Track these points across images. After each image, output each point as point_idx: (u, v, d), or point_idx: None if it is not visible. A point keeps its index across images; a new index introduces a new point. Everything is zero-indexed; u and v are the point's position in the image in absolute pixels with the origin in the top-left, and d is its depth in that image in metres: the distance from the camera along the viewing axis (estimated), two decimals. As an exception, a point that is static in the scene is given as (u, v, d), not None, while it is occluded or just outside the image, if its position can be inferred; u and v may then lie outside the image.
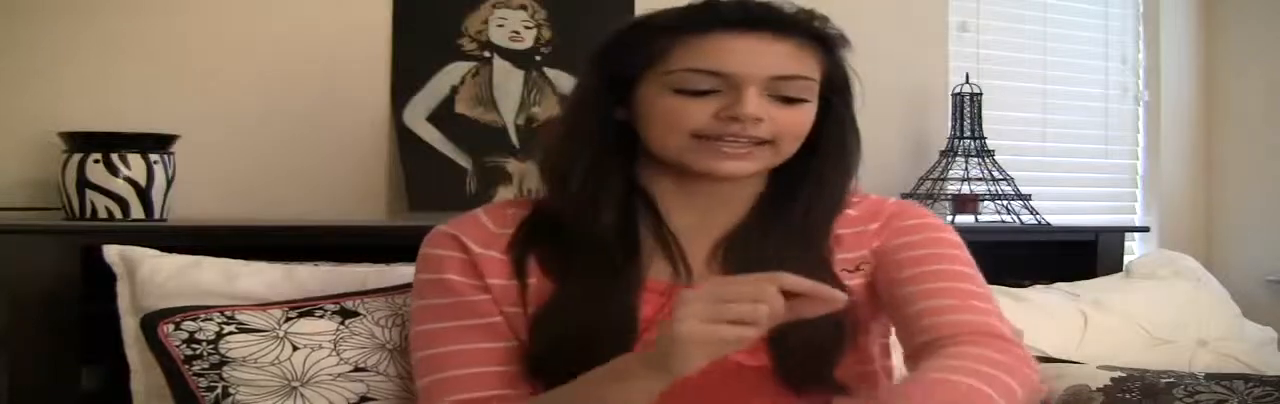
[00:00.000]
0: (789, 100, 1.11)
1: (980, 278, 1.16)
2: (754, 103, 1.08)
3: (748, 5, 1.11)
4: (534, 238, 1.15)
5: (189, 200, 1.68)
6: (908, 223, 1.19)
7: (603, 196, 1.12)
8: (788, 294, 0.91)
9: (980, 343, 1.04)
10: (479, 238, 1.15)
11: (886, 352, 1.23)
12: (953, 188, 2.32)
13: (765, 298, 0.89)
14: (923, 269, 1.13)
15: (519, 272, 1.13)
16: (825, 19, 1.15)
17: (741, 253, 1.14)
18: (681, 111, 1.09)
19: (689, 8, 1.14)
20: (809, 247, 1.15)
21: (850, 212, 1.20)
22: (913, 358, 1.10)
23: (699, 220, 1.17)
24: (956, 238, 1.20)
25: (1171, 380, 1.57)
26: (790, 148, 1.13)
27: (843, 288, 1.05)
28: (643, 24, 1.14)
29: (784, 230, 1.14)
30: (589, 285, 1.09)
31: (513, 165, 1.93)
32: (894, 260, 1.16)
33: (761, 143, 1.10)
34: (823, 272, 1.12)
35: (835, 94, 1.16)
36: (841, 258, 1.16)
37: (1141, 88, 2.92)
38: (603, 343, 1.05)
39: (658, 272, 1.13)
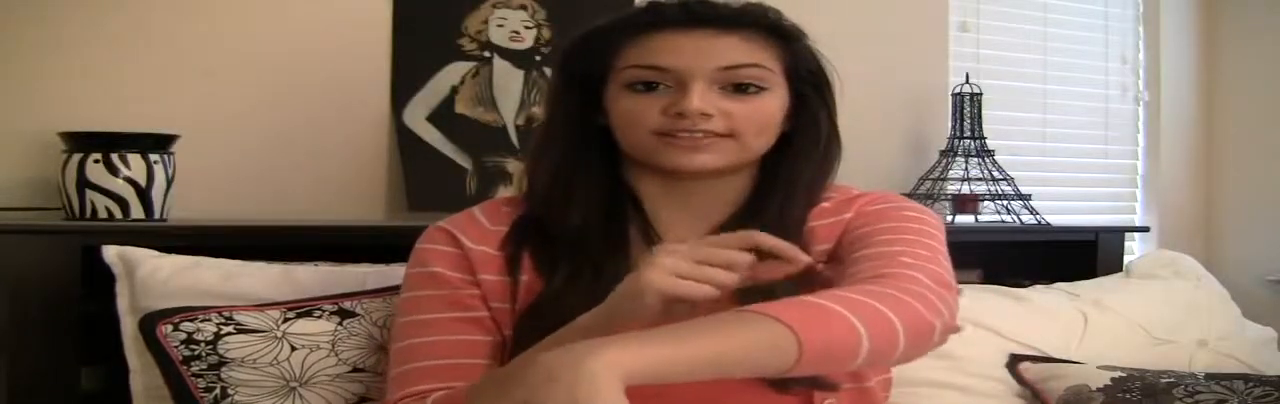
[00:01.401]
0: (743, 90, 1.11)
1: (928, 244, 1.10)
2: (699, 97, 1.08)
3: (689, 4, 1.13)
4: (527, 235, 1.16)
5: (189, 200, 1.68)
6: (874, 207, 1.18)
7: (576, 198, 1.14)
8: (760, 253, 0.94)
9: (871, 281, 1.00)
10: (473, 234, 1.16)
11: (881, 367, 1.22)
12: (953, 188, 2.32)
13: (736, 265, 0.93)
14: (872, 239, 1.11)
15: (512, 268, 1.14)
16: (777, 12, 1.16)
17: None
18: (636, 110, 1.11)
19: (634, 9, 1.16)
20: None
21: (825, 204, 1.19)
22: None
23: (687, 221, 1.17)
24: (923, 216, 1.16)
25: (1171, 380, 1.57)
26: (756, 141, 1.13)
27: (826, 282, 1.06)
28: (596, 29, 1.17)
29: (760, 229, 1.13)
30: (576, 285, 1.10)
31: (513, 165, 1.93)
32: (851, 238, 1.14)
33: (722, 136, 1.10)
34: (805, 272, 1.11)
35: (806, 86, 1.16)
36: (817, 250, 1.15)
37: (1141, 88, 2.92)
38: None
39: None
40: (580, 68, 1.16)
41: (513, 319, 1.12)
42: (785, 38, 1.15)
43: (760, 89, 1.12)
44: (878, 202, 1.19)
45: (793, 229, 1.15)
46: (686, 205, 1.18)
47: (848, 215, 1.17)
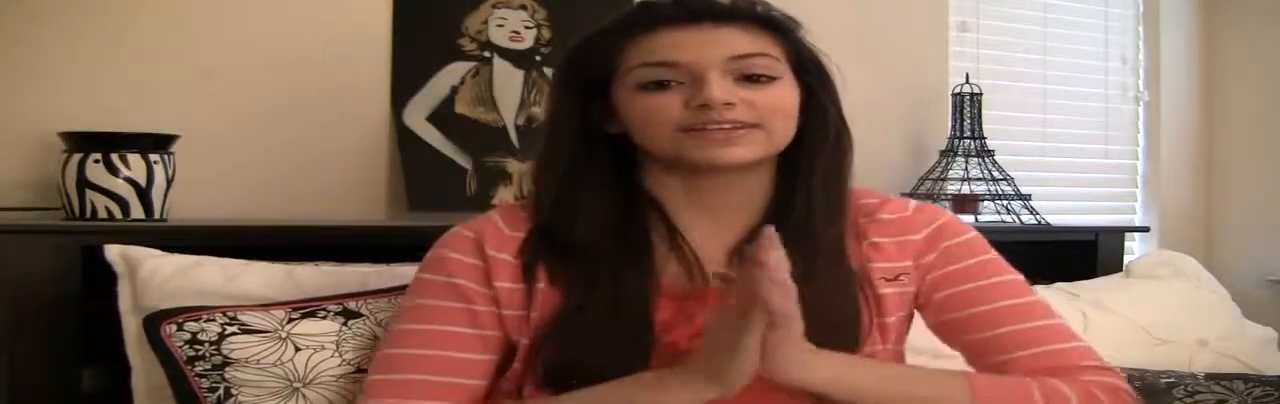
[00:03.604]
0: (757, 79, 1.10)
1: (1040, 298, 1.21)
2: (719, 86, 1.07)
3: (683, 0, 1.12)
4: (544, 243, 1.13)
5: (189, 200, 1.68)
6: (954, 242, 1.19)
7: (583, 209, 1.11)
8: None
9: (1069, 375, 1.13)
10: (495, 241, 1.13)
11: (899, 359, 1.21)
12: (953, 188, 2.32)
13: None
14: (997, 304, 1.17)
15: (527, 275, 1.12)
16: (766, 4, 1.15)
17: None
18: (656, 107, 1.09)
19: (630, 11, 1.15)
20: (819, 244, 1.13)
21: (884, 215, 1.18)
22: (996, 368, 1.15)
23: (711, 222, 1.15)
24: (991, 248, 1.23)
25: (1171, 380, 1.57)
26: (782, 128, 1.11)
27: (876, 297, 1.15)
28: (593, 33, 1.15)
29: (792, 231, 1.11)
30: (600, 292, 1.08)
31: (513, 165, 1.93)
32: (955, 295, 1.17)
33: (750, 127, 1.09)
34: (842, 269, 1.13)
35: (810, 77, 1.15)
36: (880, 266, 1.15)
37: (1141, 88, 2.92)
38: (619, 349, 1.05)
39: (672, 277, 1.12)
40: (583, 73, 1.14)
41: (527, 326, 1.10)
42: (780, 28, 1.14)
43: (772, 78, 1.10)
44: (948, 233, 1.20)
45: (826, 230, 1.14)
46: (710, 206, 1.16)
47: (916, 237, 1.18)
